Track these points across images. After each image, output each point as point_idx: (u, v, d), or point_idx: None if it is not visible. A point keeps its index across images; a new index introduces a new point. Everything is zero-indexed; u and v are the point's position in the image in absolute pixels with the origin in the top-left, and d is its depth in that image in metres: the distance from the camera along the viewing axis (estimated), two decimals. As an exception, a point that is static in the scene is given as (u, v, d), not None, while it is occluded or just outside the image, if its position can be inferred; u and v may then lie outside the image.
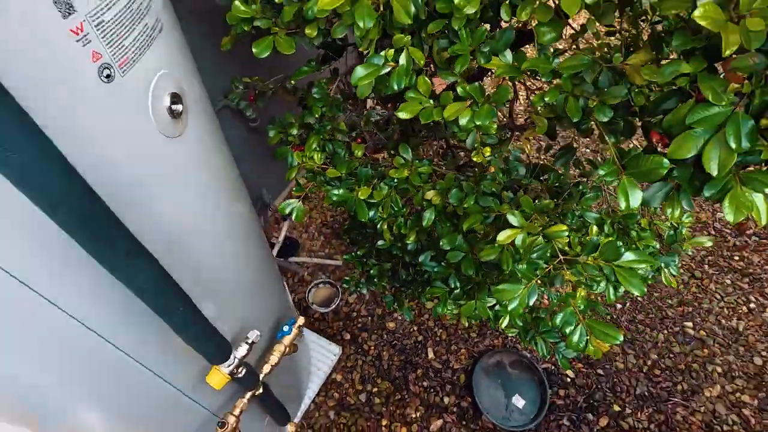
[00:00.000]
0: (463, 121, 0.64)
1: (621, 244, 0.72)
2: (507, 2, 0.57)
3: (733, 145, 0.49)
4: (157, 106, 0.53)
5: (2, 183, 0.36)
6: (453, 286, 1.17)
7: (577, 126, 0.65)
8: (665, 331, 1.79)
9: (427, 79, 0.69)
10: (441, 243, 1.00)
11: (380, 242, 1.28)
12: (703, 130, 0.51)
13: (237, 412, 0.93)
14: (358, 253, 1.57)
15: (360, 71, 0.66)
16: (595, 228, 0.87)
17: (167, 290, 0.54)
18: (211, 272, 0.72)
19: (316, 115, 0.99)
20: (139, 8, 0.49)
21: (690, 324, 1.80)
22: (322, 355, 1.72)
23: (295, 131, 1.10)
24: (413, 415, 1.60)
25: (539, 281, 0.78)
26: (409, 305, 1.88)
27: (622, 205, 0.59)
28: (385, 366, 1.73)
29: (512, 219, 0.77)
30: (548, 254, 0.78)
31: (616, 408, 1.61)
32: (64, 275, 0.49)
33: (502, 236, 0.77)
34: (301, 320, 1.08)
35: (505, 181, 0.81)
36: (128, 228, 0.47)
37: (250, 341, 0.84)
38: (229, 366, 0.79)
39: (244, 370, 0.87)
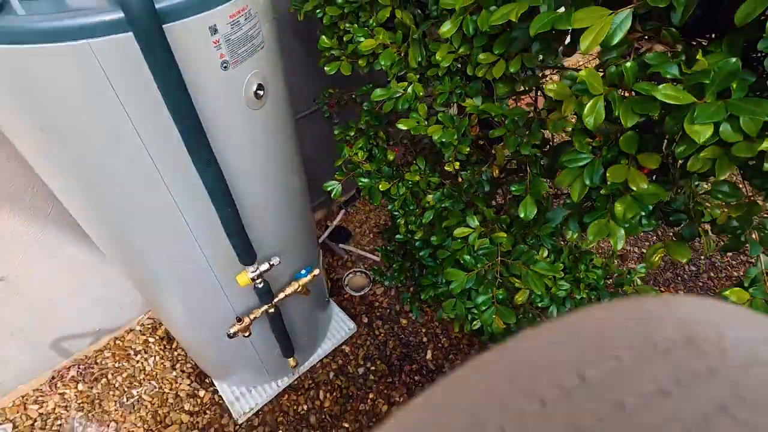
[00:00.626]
0: (435, 137, 0.92)
1: (548, 259, 0.92)
2: (473, 62, 0.85)
3: (587, 182, 0.71)
4: (247, 89, 0.91)
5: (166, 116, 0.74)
6: (440, 282, 1.41)
7: (514, 156, 0.89)
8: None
9: (425, 105, 0.98)
10: (432, 239, 1.26)
11: (398, 236, 1.57)
12: (572, 168, 0.73)
13: (252, 316, 1.28)
14: (389, 248, 1.86)
15: (378, 92, 0.98)
16: (546, 252, 1.06)
17: (224, 193, 0.91)
18: (254, 200, 1.07)
19: (362, 122, 1.33)
20: (252, 34, 0.87)
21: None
22: (340, 327, 2.02)
23: (352, 132, 1.45)
24: (396, 399, 1.82)
25: (479, 272, 1.01)
26: (422, 309, 2.12)
27: (521, 214, 0.82)
28: (387, 352, 1.97)
29: (470, 221, 1.02)
30: (491, 254, 1.00)
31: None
32: (177, 171, 0.88)
33: (458, 231, 1.01)
34: (316, 271, 1.41)
35: (471, 191, 1.05)
36: (214, 153, 0.84)
37: (271, 263, 1.19)
38: (253, 272, 1.14)
39: (263, 284, 1.22)
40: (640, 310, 0.17)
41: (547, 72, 1.08)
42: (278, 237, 1.23)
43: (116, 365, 1.93)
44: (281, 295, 1.33)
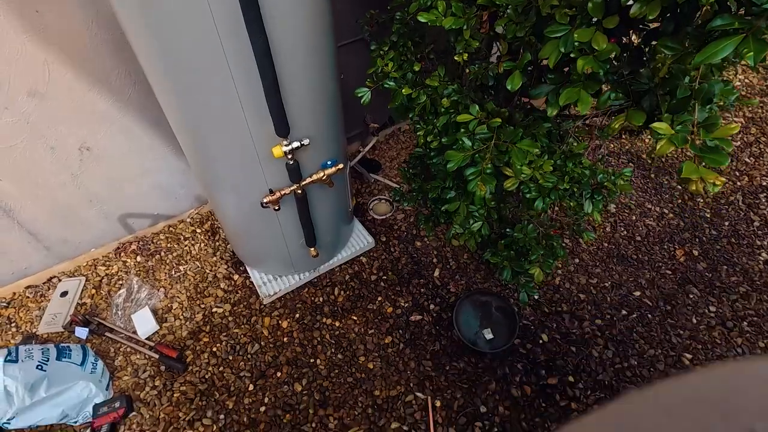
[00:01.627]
0: (447, 25, 1.07)
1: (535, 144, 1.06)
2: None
3: (562, 49, 0.84)
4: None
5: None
6: (448, 185, 1.57)
7: (513, 43, 1.02)
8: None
9: (443, 3, 1.12)
10: (443, 141, 1.41)
11: (417, 149, 1.73)
12: (553, 40, 0.86)
13: (282, 192, 1.51)
14: (410, 170, 2.02)
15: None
16: (538, 148, 1.19)
17: (268, 61, 1.11)
18: (293, 80, 1.26)
19: (394, 33, 1.48)
20: None
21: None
22: (360, 240, 2.24)
23: (386, 47, 1.61)
24: (401, 303, 2.02)
25: (476, 155, 1.16)
26: (435, 233, 2.29)
27: (509, 86, 0.96)
28: (399, 266, 2.17)
29: (472, 109, 1.16)
30: (488, 139, 1.15)
31: (570, 379, 1.78)
32: (234, 40, 1.08)
33: (461, 117, 1.17)
34: (340, 165, 1.61)
35: (476, 84, 1.18)
36: (264, 27, 1.03)
37: (301, 143, 1.39)
38: (286, 146, 1.36)
39: (293, 162, 1.43)
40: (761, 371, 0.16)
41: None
42: (310, 122, 1.42)
43: (168, 246, 2.27)
44: (307, 180, 1.55)
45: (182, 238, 2.30)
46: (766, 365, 0.16)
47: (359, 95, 1.53)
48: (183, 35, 1.07)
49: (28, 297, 2.08)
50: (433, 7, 1.14)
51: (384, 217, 2.41)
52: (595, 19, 0.80)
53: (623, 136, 2.66)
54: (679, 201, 2.41)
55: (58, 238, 2.04)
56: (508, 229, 1.51)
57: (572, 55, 0.83)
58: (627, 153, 2.68)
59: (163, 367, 1.82)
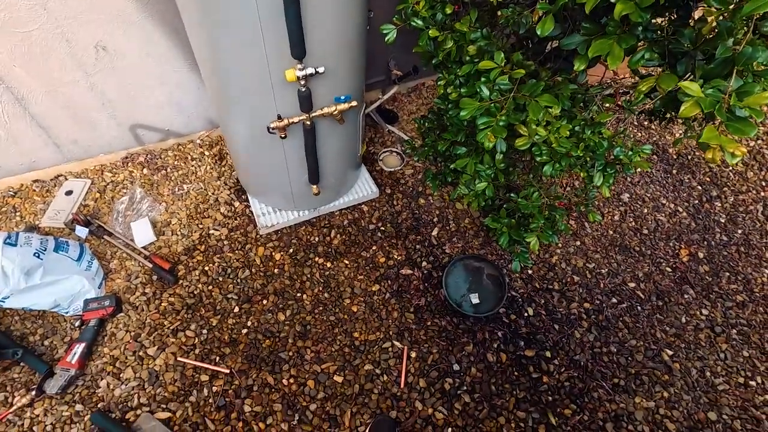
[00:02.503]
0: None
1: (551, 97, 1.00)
2: None
3: None
4: None
5: None
6: (461, 139, 1.52)
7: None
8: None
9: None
10: (462, 91, 1.34)
11: (436, 100, 1.66)
12: None
13: (290, 120, 1.48)
14: (426, 124, 1.96)
15: None
16: (559, 108, 1.13)
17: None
18: (317, 4, 1.20)
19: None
20: None
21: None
22: (364, 188, 2.22)
23: (418, -14, 1.51)
24: (395, 256, 2.03)
25: (492, 105, 1.11)
26: (441, 192, 2.26)
27: (539, 31, 0.90)
28: (399, 220, 2.16)
29: (496, 57, 1.10)
30: (507, 88, 1.09)
31: (547, 354, 1.80)
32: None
33: (483, 64, 1.11)
34: (354, 102, 1.56)
35: (511, 24, 1.10)
36: None
37: (316, 70, 1.34)
38: (300, 71, 1.31)
39: (306, 90, 1.39)
40: None
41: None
42: (328, 50, 1.36)
43: (174, 163, 2.27)
44: (319, 111, 1.51)
45: (189, 158, 2.30)
46: None
47: (384, 32, 1.46)
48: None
49: (34, 190, 2.12)
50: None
51: (393, 170, 2.38)
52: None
53: (653, 123, 2.55)
54: (696, 202, 2.33)
55: (69, 137, 2.05)
56: (512, 195, 1.47)
57: (612, 0, 0.76)
58: (653, 144, 2.57)
59: (155, 277, 1.87)
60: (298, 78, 1.33)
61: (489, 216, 1.71)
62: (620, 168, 1.15)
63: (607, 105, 1.18)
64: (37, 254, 1.63)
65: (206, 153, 2.33)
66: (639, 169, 1.21)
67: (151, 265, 1.88)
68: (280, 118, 1.48)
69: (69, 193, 2.09)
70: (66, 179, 2.16)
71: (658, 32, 0.81)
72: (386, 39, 1.47)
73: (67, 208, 2.03)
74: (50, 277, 1.64)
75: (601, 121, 1.15)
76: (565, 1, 0.85)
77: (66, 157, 2.13)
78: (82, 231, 1.94)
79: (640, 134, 2.61)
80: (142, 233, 1.96)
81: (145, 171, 2.23)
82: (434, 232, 2.13)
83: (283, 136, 1.53)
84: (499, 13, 1.15)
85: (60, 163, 2.15)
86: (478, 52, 1.22)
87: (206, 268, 1.92)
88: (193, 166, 2.27)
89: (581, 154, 1.11)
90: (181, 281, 1.87)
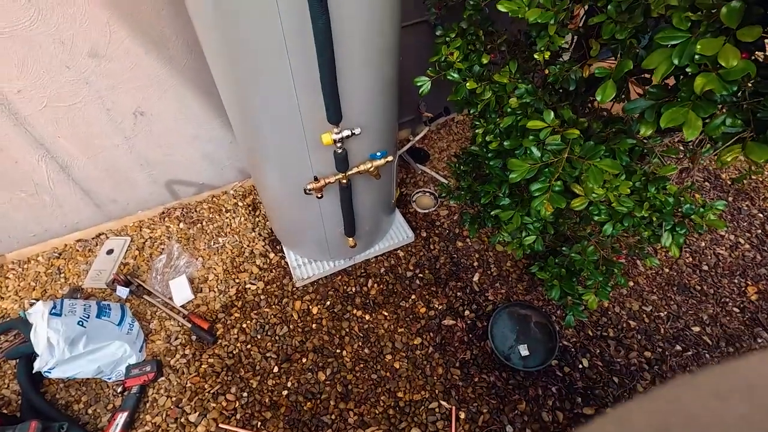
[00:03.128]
0: (532, 18, 0.93)
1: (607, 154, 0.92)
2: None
3: (676, 61, 0.70)
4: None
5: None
6: (502, 192, 1.45)
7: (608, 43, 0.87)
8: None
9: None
10: (505, 144, 1.28)
11: (473, 147, 1.60)
12: (664, 48, 0.72)
13: (327, 180, 1.45)
14: (461, 167, 1.90)
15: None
16: (619, 163, 1.04)
17: (327, 38, 1.02)
18: (350, 64, 1.18)
19: (465, 18, 1.35)
20: None
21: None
22: (399, 233, 2.16)
23: (453, 34, 1.48)
24: (435, 305, 1.94)
25: (545, 168, 1.03)
26: (479, 235, 2.17)
27: (599, 96, 0.82)
28: (437, 265, 2.08)
29: (546, 116, 1.04)
30: (559, 151, 1.02)
31: (608, 411, 1.65)
32: (294, 13, 1.00)
33: (531, 123, 1.04)
34: (390, 158, 1.52)
35: (556, 87, 1.05)
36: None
37: (352, 132, 1.31)
38: (336, 134, 1.28)
39: (342, 151, 1.36)
40: None
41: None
42: (364, 111, 1.34)
43: (210, 216, 2.29)
44: (354, 170, 1.47)
45: (224, 210, 2.31)
46: None
47: (418, 84, 1.42)
48: (242, 10, 1.00)
49: (77, 250, 2.16)
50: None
51: (427, 211, 2.31)
52: (725, 27, 0.65)
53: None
54: (759, 231, 2.15)
55: (108, 197, 2.09)
56: (564, 247, 1.38)
57: (688, 70, 0.69)
58: (703, 170, 2.41)
59: (194, 337, 1.85)
60: (334, 141, 1.30)
61: (536, 263, 1.61)
62: (691, 226, 1.05)
63: (671, 156, 1.08)
64: (80, 322, 1.64)
65: (240, 204, 2.34)
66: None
67: (189, 325, 1.86)
68: (316, 179, 1.45)
69: (110, 252, 2.12)
70: (107, 237, 2.21)
71: (740, 96, 0.73)
72: (420, 91, 1.43)
73: (108, 268, 2.06)
74: (93, 345, 1.64)
75: (665, 175, 1.05)
76: (629, 67, 0.78)
77: (106, 216, 2.18)
78: (123, 291, 1.96)
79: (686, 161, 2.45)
80: (181, 292, 1.96)
81: (181, 225, 2.25)
82: (475, 278, 2.03)
83: (319, 196, 1.50)
84: (546, 71, 1.09)
85: (101, 222, 2.19)
86: (521, 107, 1.16)
87: (244, 325, 1.89)
88: (227, 218, 2.28)
89: (646, 215, 1.02)
90: (219, 340, 1.85)
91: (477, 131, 1.46)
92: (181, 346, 1.83)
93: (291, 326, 1.89)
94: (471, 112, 1.45)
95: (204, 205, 2.33)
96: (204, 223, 2.26)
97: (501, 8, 1.01)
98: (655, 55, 0.73)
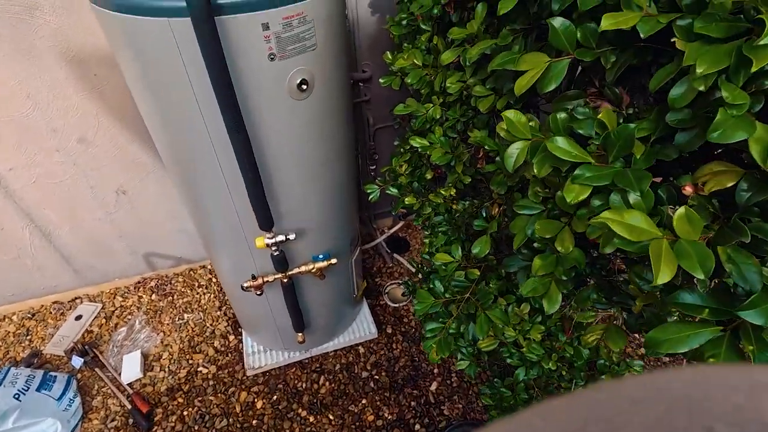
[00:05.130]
0: (434, 157, 0.95)
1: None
2: (472, 93, 0.86)
3: (528, 232, 0.68)
4: (291, 81, 1.06)
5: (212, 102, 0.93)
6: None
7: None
8: None
9: (441, 129, 1.01)
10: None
11: (424, 254, 1.58)
12: (522, 217, 0.70)
13: (266, 279, 1.45)
14: (425, 268, 1.86)
15: (401, 106, 1.05)
16: (528, 308, 0.99)
17: (248, 159, 1.07)
18: (282, 176, 1.22)
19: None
20: (304, 36, 1.02)
21: None
22: (362, 327, 2.09)
23: (407, 146, 1.52)
24: (385, 415, 1.81)
25: (444, 302, 0.99)
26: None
27: (474, 250, 0.80)
28: (395, 368, 1.97)
29: (454, 251, 1.01)
30: (464, 289, 0.98)
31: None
32: (220, 133, 1.07)
33: (438, 256, 1.02)
34: (333, 261, 1.51)
35: (462, 222, 1.03)
36: (244, 122, 1.01)
37: (288, 237, 1.33)
38: (269, 239, 1.30)
39: (279, 253, 1.37)
40: (745, 377, 0.15)
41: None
42: (300, 216, 1.36)
43: (182, 290, 2.32)
44: (295, 270, 1.47)
45: (197, 285, 2.34)
46: (736, 373, 0.16)
47: (368, 191, 1.45)
48: (176, 120, 1.08)
49: (50, 312, 2.22)
50: (430, 131, 1.04)
51: (398, 305, 2.25)
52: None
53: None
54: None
55: (87, 264, 2.18)
56: (496, 380, 1.28)
57: (535, 245, 0.66)
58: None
59: (131, 421, 1.80)
60: (267, 245, 1.32)
61: (485, 385, 1.50)
62: (607, 386, 0.95)
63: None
64: (17, 395, 1.63)
65: (213, 279, 2.37)
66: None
67: (130, 407, 1.81)
68: (254, 277, 1.46)
69: (78, 317, 2.17)
70: (82, 302, 2.27)
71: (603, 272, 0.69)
72: (370, 198, 1.45)
73: (71, 335, 2.09)
74: (25, 420, 1.62)
75: (581, 322, 0.98)
76: (494, 230, 0.76)
77: (84, 281, 2.25)
78: (77, 361, 1.96)
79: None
80: (131, 368, 1.94)
81: (153, 297, 2.29)
82: (433, 387, 1.90)
83: (259, 293, 1.49)
84: (453, 206, 1.09)
85: (78, 287, 2.27)
86: (443, 237, 1.14)
87: (185, 413, 1.83)
88: (198, 293, 2.30)
89: (554, 368, 0.93)
90: (155, 428, 1.78)
91: (425, 240, 1.45)
92: (115, 430, 1.77)
93: (231, 419, 1.81)
94: (416, 222, 1.45)
95: (179, 278, 2.37)
96: (175, 297, 2.29)
97: (413, 143, 1.04)
98: (516, 222, 0.71)
